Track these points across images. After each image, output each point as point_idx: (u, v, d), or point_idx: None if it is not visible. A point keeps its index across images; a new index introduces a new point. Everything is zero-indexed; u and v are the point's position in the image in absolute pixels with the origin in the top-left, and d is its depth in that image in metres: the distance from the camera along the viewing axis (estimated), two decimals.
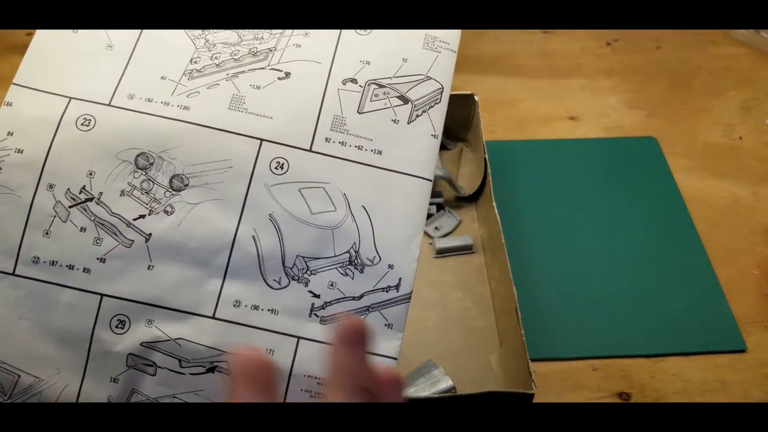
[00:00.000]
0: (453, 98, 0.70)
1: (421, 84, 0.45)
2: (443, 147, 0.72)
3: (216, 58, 0.44)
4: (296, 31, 0.45)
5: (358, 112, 0.44)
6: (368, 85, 0.44)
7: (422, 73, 0.45)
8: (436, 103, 0.45)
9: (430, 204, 0.67)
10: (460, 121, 0.71)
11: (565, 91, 0.81)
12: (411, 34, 0.46)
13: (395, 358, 0.42)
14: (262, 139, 0.43)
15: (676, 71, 0.84)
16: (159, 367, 0.41)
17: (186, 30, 0.45)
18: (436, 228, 0.66)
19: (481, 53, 0.85)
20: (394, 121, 0.44)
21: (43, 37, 0.45)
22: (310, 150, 0.43)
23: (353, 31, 0.46)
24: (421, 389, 0.52)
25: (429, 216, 0.66)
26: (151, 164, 0.42)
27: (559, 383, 0.56)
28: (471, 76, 0.82)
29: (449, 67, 0.46)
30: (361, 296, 0.42)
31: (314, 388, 0.41)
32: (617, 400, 0.55)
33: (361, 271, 0.42)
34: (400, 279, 0.42)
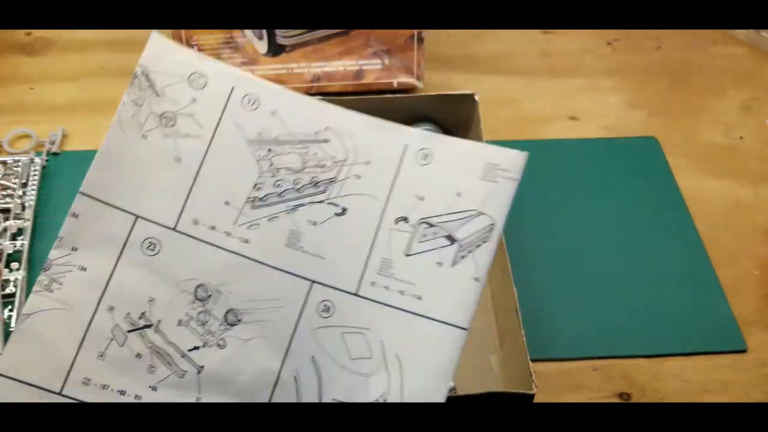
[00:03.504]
0: (453, 98, 0.70)
1: (472, 220, 0.44)
2: None
3: (278, 185, 0.44)
4: (359, 159, 0.45)
5: (405, 254, 0.44)
6: (419, 224, 0.44)
7: (474, 209, 0.44)
8: (484, 242, 0.44)
9: None
10: (460, 121, 0.71)
11: (566, 91, 0.81)
12: (470, 164, 0.45)
13: None
14: (313, 281, 0.43)
15: (677, 71, 0.84)
16: None
17: (252, 150, 0.44)
18: None
19: (481, 53, 0.85)
20: (439, 263, 0.43)
21: (111, 143, 0.44)
22: (356, 294, 0.43)
23: (414, 160, 0.45)
24: None
25: None
26: (209, 297, 0.43)
27: (560, 383, 0.56)
28: (471, 76, 0.82)
29: (506, 198, 0.45)
30: None
31: None
32: (617, 400, 0.55)
33: None
34: None
